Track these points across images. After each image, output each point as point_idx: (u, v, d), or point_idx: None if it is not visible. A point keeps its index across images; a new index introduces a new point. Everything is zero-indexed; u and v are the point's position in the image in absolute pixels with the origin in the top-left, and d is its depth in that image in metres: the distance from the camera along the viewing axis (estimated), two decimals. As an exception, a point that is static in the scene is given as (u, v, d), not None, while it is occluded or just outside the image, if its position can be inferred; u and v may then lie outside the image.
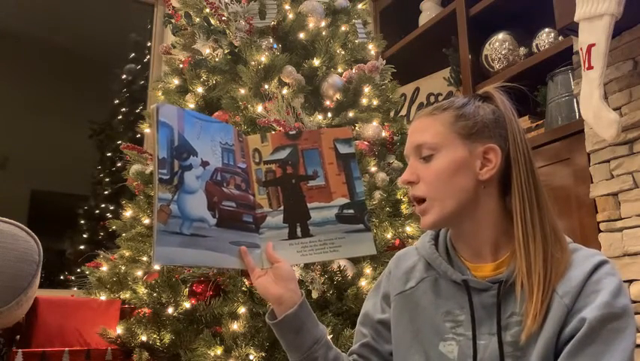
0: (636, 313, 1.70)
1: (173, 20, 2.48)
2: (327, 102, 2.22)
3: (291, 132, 1.01)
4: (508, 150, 0.85)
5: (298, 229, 0.96)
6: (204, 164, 0.89)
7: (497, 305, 0.82)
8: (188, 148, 0.87)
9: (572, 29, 1.83)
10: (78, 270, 2.25)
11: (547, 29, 2.48)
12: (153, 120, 0.84)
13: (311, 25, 2.32)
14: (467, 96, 0.92)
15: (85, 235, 3.42)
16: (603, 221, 1.85)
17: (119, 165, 3.14)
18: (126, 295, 1.96)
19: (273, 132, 1.10)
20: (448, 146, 0.85)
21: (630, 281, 1.74)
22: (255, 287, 0.93)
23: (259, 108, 2.04)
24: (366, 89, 2.28)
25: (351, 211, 0.98)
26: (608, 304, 0.76)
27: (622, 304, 0.77)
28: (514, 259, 0.83)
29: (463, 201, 0.84)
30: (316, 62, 2.25)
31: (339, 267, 1.73)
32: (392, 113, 2.52)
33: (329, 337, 0.97)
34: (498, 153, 0.85)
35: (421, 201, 0.87)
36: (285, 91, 2.11)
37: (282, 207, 0.96)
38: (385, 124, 2.27)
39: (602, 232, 1.85)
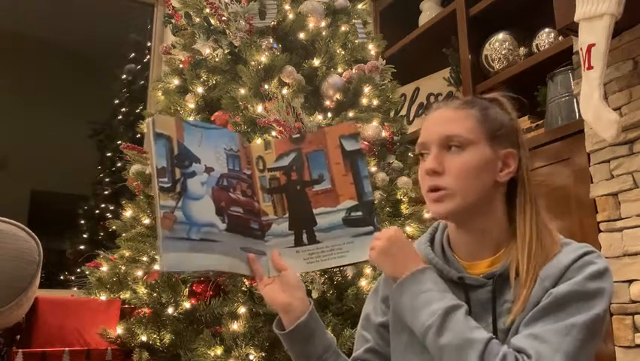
0: (636, 314, 1.70)
1: (173, 20, 2.48)
2: (327, 102, 2.22)
3: (294, 136, 0.99)
4: (519, 157, 0.89)
5: (304, 236, 0.94)
6: (208, 170, 0.88)
7: (492, 298, 0.84)
8: (190, 156, 0.87)
9: (572, 29, 1.83)
10: (78, 270, 2.25)
11: (547, 29, 2.48)
12: (149, 132, 0.83)
13: (311, 25, 2.32)
14: (484, 100, 0.93)
15: (85, 235, 3.43)
16: (603, 221, 1.85)
17: (119, 165, 3.15)
18: (126, 295, 1.96)
19: (277, 138, 1.08)
20: (479, 143, 0.87)
21: (630, 281, 1.74)
22: (263, 296, 0.92)
23: (259, 108, 2.04)
24: (366, 89, 2.28)
25: (359, 213, 0.95)
26: (580, 283, 0.78)
27: (596, 286, 0.78)
28: (507, 254, 0.86)
29: (481, 199, 0.87)
30: (316, 62, 2.25)
31: (339, 267, 1.73)
32: (392, 113, 2.52)
33: None
34: (516, 158, 0.88)
35: (440, 190, 0.87)
36: (285, 91, 2.11)
37: (287, 215, 0.95)
38: (385, 124, 2.27)
39: (602, 232, 1.85)
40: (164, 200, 0.81)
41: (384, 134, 2.22)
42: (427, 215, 2.04)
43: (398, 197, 2.06)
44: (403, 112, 3.25)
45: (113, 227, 2.24)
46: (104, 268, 2.09)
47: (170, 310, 1.77)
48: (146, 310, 1.83)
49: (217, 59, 2.26)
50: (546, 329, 0.76)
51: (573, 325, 0.75)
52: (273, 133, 1.97)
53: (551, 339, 0.74)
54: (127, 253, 2.07)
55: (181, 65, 2.35)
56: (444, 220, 0.94)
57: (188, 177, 0.85)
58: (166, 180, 0.83)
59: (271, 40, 2.26)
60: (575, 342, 0.74)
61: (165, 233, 0.80)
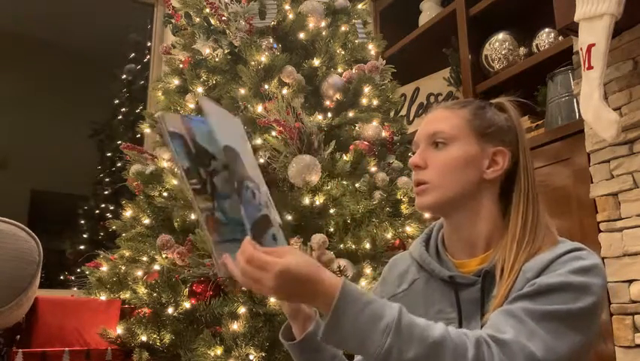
0: (636, 314, 1.70)
1: (173, 20, 2.48)
2: (327, 102, 2.22)
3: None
4: (516, 158, 0.90)
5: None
6: (225, 167, 0.82)
7: (481, 295, 0.84)
8: (207, 153, 0.81)
9: (572, 29, 1.83)
10: (78, 270, 2.25)
11: (547, 29, 2.48)
12: (164, 131, 0.79)
13: (311, 25, 2.32)
14: (483, 102, 0.95)
15: (85, 235, 3.42)
16: (603, 221, 1.85)
17: (119, 165, 3.15)
18: (126, 295, 1.96)
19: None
20: (462, 139, 0.89)
21: (630, 281, 1.74)
22: (286, 304, 0.89)
23: (259, 108, 2.04)
24: (366, 89, 2.28)
25: None
26: (564, 275, 0.76)
27: (581, 280, 0.76)
28: (496, 250, 0.86)
29: (464, 194, 0.88)
30: (316, 62, 2.25)
31: (339, 267, 1.73)
32: (392, 113, 2.52)
33: None
34: (506, 157, 0.89)
35: (423, 184, 0.90)
36: (285, 91, 2.11)
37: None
38: (385, 124, 2.27)
39: (602, 232, 1.85)
40: (201, 202, 0.77)
41: (384, 134, 2.22)
42: (426, 215, 2.04)
43: (398, 197, 2.06)
44: (403, 112, 3.25)
45: (113, 227, 2.24)
46: (104, 268, 2.09)
47: (170, 310, 1.77)
48: (146, 310, 1.83)
49: (217, 59, 2.26)
50: (523, 309, 0.73)
51: (551, 312, 0.73)
52: (273, 133, 1.97)
53: (527, 320, 0.72)
54: (127, 253, 2.07)
55: (181, 65, 2.35)
56: (426, 212, 0.95)
57: (213, 175, 0.80)
58: (195, 181, 0.77)
59: (271, 40, 2.26)
60: (551, 329, 0.72)
61: (216, 238, 0.76)
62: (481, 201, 0.89)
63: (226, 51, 2.28)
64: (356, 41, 2.47)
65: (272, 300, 1.68)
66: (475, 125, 0.89)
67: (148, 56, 3.49)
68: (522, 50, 2.62)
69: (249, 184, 0.77)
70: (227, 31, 2.27)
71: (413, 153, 0.93)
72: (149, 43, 3.49)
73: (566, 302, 0.74)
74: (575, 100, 2.16)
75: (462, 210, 0.89)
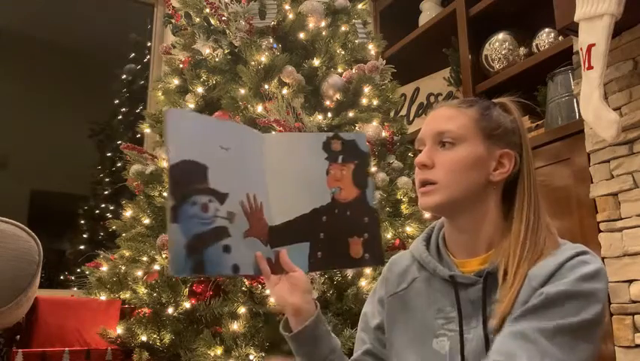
0: (636, 314, 1.70)
1: (173, 20, 2.48)
2: (327, 102, 2.22)
3: None
4: (520, 160, 0.90)
5: None
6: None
7: (482, 297, 0.83)
8: None
9: (572, 29, 1.83)
10: (78, 270, 2.25)
11: (547, 29, 2.48)
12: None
13: (311, 25, 2.32)
14: (488, 101, 0.95)
15: (85, 235, 3.42)
16: (603, 221, 1.85)
17: (119, 165, 3.15)
18: (126, 295, 1.96)
19: None
20: (470, 140, 0.88)
21: (630, 281, 1.74)
22: (272, 296, 0.91)
23: (259, 108, 2.04)
24: (366, 89, 2.28)
25: None
26: (572, 283, 0.76)
27: (589, 288, 0.76)
28: (498, 251, 0.85)
29: (470, 195, 0.87)
30: (316, 62, 2.25)
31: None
32: (392, 113, 2.52)
33: None
34: (512, 160, 0.89)
35: (429, 184, 0.89)
36: (285, 91, 2.11)
37: None
38: (385, 124, 2.27)
39: (602, 232, 1.85)
40: None
41: (384, 134, 2.22)
42: (427, 215, 2.05)
43: (398, 197, 2.06)
44: (403, 112, 3.24)
45: (113, 227, 2.24)
46: (104, 268, 2.09)
47: (170, 310, 1.77)
48: (146, 310, 1.83)
49: (217, 59, 2.26)
50: (533, 328, 0.74)
51: (562, 326, 0.73)
52: (273, 133, 1.97)
53: (539, 340, 0.72)
54: (127, 253, 2.07)
55: (181, 65, 2.35)
56: (431, 213, 0.94)
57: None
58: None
59: (271, 40, 2.26)
60: (563, 344, 0.72)
61: None
62: (485, 204, 0.88)
63: (226, 51, 2.28)
64: (356, 41, 2.47)
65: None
66: (483, 126, 0.89)
67: (148, 56, 3.49)
68: (522, 50, 2.62)
69: (200, 199, 0.78)
70: (227, 31, 2.27)
71: (415, 152, 0.93)
72: (149, 43, 3.49)
73: (575, 313, 0.74)
74: (575, 100, 2.16)
75: (466, 212, 0.88)
